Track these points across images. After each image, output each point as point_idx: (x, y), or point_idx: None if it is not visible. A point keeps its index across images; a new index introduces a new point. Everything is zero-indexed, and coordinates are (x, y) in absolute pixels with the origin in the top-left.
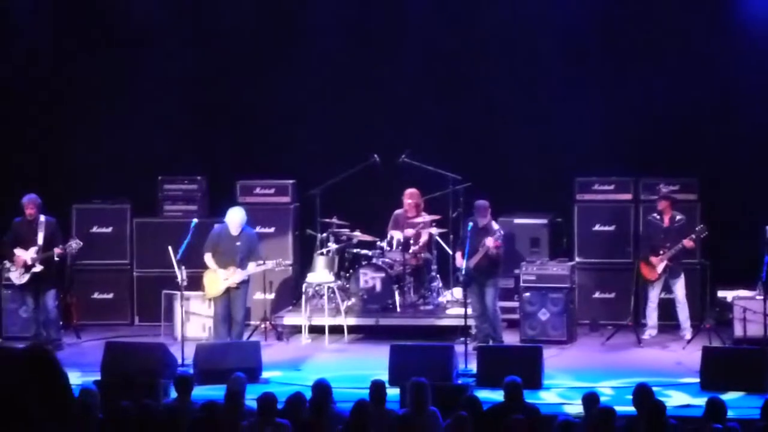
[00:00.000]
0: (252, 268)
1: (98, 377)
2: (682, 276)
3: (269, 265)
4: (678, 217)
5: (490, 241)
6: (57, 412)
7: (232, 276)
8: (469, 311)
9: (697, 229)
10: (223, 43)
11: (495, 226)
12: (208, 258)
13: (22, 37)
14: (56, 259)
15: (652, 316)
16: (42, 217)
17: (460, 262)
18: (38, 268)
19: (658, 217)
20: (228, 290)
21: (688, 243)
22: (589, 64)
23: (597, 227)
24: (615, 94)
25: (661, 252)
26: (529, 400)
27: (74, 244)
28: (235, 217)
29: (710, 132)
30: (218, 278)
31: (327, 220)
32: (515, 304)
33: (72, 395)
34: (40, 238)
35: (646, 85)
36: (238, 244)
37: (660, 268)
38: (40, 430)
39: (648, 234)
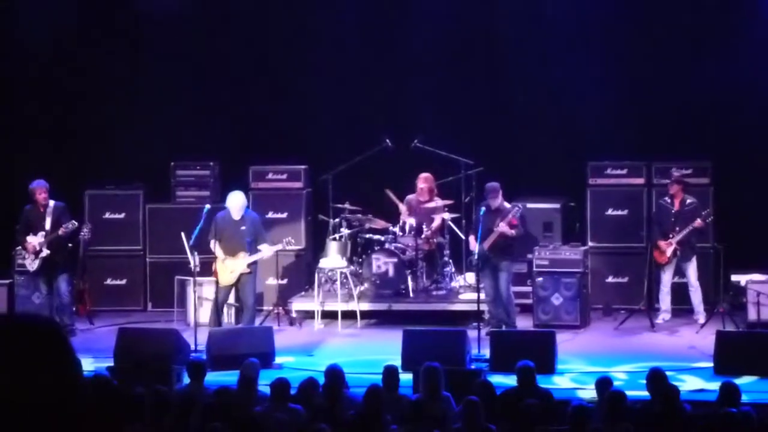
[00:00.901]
0: (267, 249)
1: (111, 363)
2: (694, 259)
3: (280, 246)
4: (689, 201)
5: (503, 226)
6: (64, 393)
7: (245, 260)
8: (482, 296)
9: (703, 213)
10: (236, 28)
11: (507, 205)
12: (214, 246)
13: (41, 23)
14: (69, 245)
15: (665, 300)
16: (51, 202)
17: (474, 245)
18: (45, 252)
19: (669, 200)
20: (238, 277)
21: (698, 223)
22: (602, 48)
23: (610, 211)
24: (628, 78)
25: (671, 236)
26: (542, 384)
27: (70, 225)
28: (235, 201)
29: (723, 115)
30: (227, 267)
31: (339, 205)
32: (528, 288)
33: (81, 375)
34: (48, 223)
35: (658, 69)
36: (243, 228)
37: (669, 251)
38: (44, 411)
39: (658, 218)
